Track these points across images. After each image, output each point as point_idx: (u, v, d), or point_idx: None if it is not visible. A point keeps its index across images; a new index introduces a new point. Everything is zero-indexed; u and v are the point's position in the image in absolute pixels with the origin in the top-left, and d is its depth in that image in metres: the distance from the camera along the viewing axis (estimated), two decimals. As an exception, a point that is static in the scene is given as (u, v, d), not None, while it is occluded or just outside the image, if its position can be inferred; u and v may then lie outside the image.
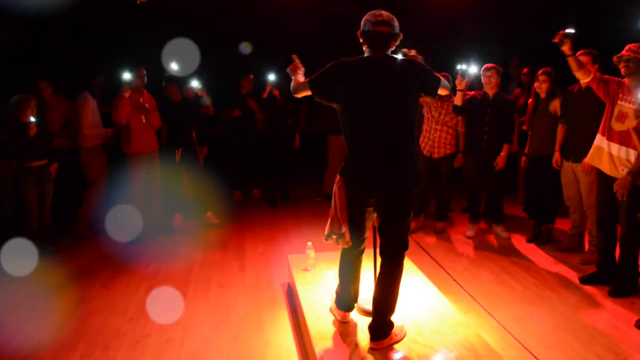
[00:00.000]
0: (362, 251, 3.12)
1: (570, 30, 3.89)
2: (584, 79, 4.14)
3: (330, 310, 3.31)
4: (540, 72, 4.95)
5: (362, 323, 3.19)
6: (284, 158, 6.95)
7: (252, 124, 6.72)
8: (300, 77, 3.07)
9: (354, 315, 3.27)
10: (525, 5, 7.58)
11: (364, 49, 2.85)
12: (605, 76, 4.08)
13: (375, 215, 2.99)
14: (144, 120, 5.38)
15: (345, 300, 3.18)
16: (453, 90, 5.09)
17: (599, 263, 4.31)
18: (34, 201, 4.94)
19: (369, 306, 3.31)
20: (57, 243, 5.34)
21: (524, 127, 5.22)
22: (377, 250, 3.07)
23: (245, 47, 7.69)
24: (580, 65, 4.10)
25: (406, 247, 2.94)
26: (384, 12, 2.76)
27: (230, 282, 4.44)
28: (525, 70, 6.18)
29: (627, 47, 3.87)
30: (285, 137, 6.88)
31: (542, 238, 5.23)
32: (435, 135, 5.46)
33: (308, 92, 2.90)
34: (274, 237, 5.66)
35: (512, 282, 4.34)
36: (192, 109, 5.95)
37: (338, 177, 2.93)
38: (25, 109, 4.78)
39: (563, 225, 5.34)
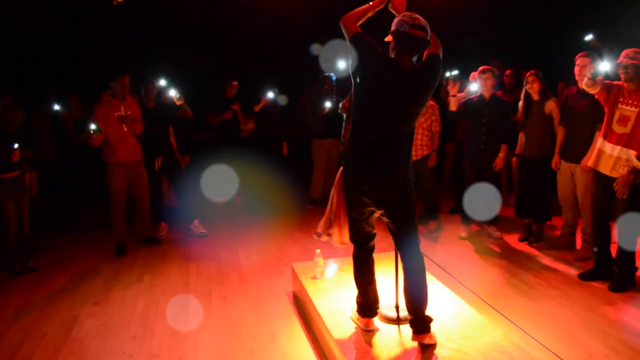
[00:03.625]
0: (370, 249, 3.09)
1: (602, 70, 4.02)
2: (592, 91, 4.19)
3: (352, 319, 3.23)
4: (528, 74, 5.02)
5: (386, 330, 3.12)
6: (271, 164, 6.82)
7: (235, 130, 6.58)
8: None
9: (377, 323, 3.20)
10: (504, 7, 7.73)
11: (390, 47, 2.78)
12: (607, 81, 4.14)
13: (378, 214, 2.97)
14: (124, 129, 5.13)
15: (366, 305, 3.11)
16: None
17: (597, 260, 4.40)
18: (12, 214, 4.69)
19: (391, 313, 3.26)
20: (37, 256, 5.09)
21: (519, 132, 5.27)
22: (398, 252, 3.05)
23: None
24: (594, 83, 4.16)
25: (419, 241, 2.96)
26: (420, 17, 2.71)
27: (232, 293, 4.28)
28: (507, 72, 6.28)
29: (623, 53, 3.93)
30: (272, 143, 6.76)
31: (534, 237, 5.31)
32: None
33: (346, 35, 2.83)
34: (267, 244, 5.52)
35: (515, 282, 4.38)
36: (167, 116, 5.74)
37: (340, 171, 2.97)
38: (11, 120, 4.54)
39: (552, 223, 5.44)
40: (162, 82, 5.65)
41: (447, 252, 5.17)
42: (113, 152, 5.10)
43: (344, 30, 2.86)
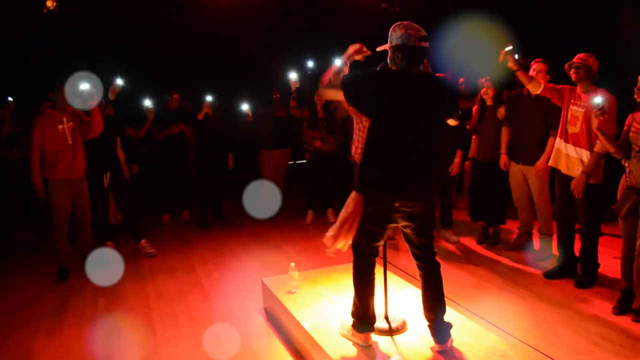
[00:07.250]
0: (375, 261, 3.02)
1: (510, 47, 4.08)
2: (535, 91, 4.32)
3: (344, 335, 3.07)
4: (482, 80, 5.15)
5: (380, 342, 3.01)
6: (218, 177, 6.55)
7: (183, 143, 6.29)
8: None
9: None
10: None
11: (396, 60, 2.74)
12: (558, 85, 4.30)
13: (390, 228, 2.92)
14: (69, 142, 4.71)
15: (367, 319, 2.98)
16: None
17: (560, 258, 4.53)
18: None
19: (382, 324, 3.15)
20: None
21: (473, 136, 5.36)
22: (416, 263, 3.02)
23: None
24: (530, 79, 4.30)
25: (435, 252, 2.98)
26: (421, 27, 2.71)
27: (199, 314, 4.00)
28: (461, 80, 6.42)
29: (577, 56, 4.11)
30: (219, 155, 6.50)
31: (491, 239, 5.42)
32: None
33: (339, 95, 2.80)
34: (224, 260, 5.26)
35: (485, 284, 4.42)
36: (115, 128, 5.38)
37: (355, 194, 2.84)
38: None
39: (507, 225, 5.57)
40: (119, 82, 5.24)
41: (407, 258, 5.07)
42: (52, 168, 4.68)
43: (332, 86, 2.82)
